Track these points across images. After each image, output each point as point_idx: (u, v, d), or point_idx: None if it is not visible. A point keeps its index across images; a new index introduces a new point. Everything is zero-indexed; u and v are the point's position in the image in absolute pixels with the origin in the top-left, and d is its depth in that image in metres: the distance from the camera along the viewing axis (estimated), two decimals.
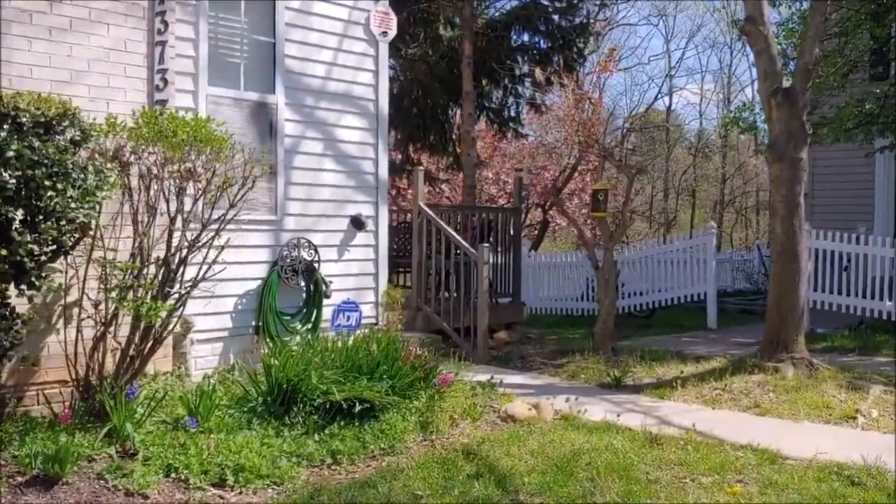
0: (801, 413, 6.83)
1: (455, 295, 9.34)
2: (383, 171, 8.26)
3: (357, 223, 7.96)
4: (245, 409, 5.76)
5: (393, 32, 8.16)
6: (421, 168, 9.44)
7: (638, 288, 14.60)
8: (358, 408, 5.67)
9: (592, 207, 9.53)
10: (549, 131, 16.61)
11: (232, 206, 5.57)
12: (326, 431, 5.57)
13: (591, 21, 13.49)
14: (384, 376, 6.06)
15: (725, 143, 39.71)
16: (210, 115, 6.77)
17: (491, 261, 10.88)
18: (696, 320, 13.56)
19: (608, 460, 5.31)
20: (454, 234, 9.14)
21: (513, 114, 13.42)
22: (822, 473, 5.16)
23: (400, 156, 13.89)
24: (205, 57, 6.85)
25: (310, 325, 7.47)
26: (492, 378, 7.51)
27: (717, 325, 13.08)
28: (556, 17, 13.30)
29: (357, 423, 5.71)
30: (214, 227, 5.55)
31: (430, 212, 9.33)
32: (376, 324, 8.16)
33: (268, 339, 7.13)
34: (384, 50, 8.16)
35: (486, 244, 8.98)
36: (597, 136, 9.59)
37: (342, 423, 5.68)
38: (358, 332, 7.50)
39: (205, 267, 5.60)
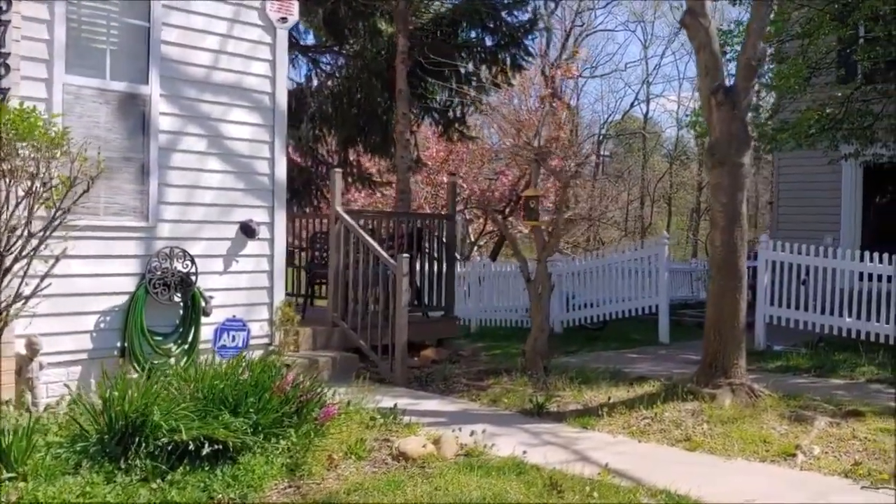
0: (736, 448, 6.07)
1: (374, 308, 8.54)
2: (280, 171, 7.43)
3: (247, 230, 7.12)
4: (77, 449, 4.92)
5: (294, 18, 7.35)
6: (338, 171, 8.63)
7: (590, 299, 13.87)
8: (207, 449, 4.85)
9: (524, 215, 8.75)
10: (496, 134, 15.90)
11: (60, 210, 4.73)
12: (168, 478, 4.75)
13: (540, 17, 12.73)
14: (250, 410, 5.24)
15: (702, 151, 39.19)
16: (68, 106, 5.99)
17: (419, 271, 10.15)
18: (648, 334, 12.87)
19: None
20: (373, 242, 8.34)
21: (458, 115, 12.67)
22: None
23: (337, 158, 13.09)
24: (62, 41, 6.01)
25: (186, 347, 6.63)
26: (395, 406, 6.72)
27: (670, 340, 12.38)
28: (504, 14, 12.56)
29: (208, 468, 4.89)
30: (41, 234, 4.72)
31: (349, 218, 8.54)
32: (270, 344, 7.34)
33: (135, 363, 6.30)
34: (283, 37, 7.33)
35: (406, 255, 8.19)
36: (528, 138, 8.80)
37: (190, 467, 4.85)
38: (248, 354, 6.69)
39: (34, 281, 4.76)
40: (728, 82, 7.53)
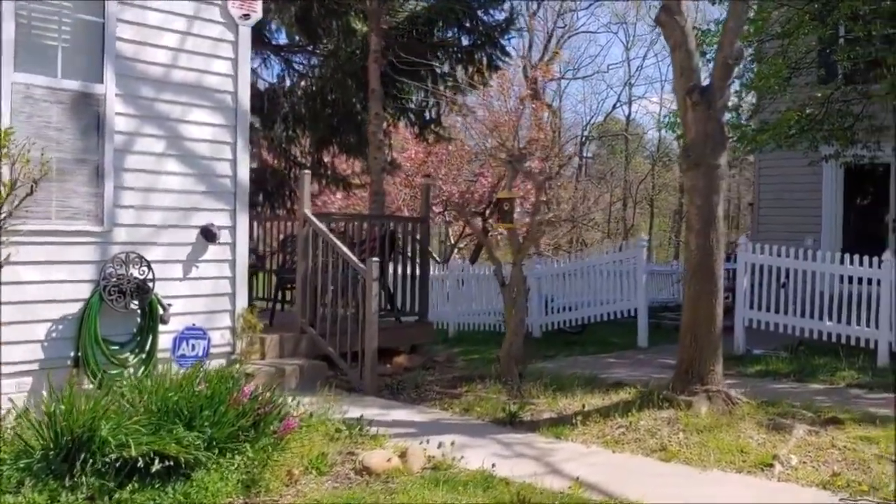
0: (712, 458, 5.89)
1: (343, 313, 8.31)
2: (243, 173, 7.17)
3: (208, 235, 6.87)
4: (21, 466, 4.67)
5: (257, 15, 7.11)
6: (306, 172, 8.40)
7: (569, 302, 13.70)
8: (157, 465, 4.61)
9: (498, 218, 8.55)
10: (473, 135, 15.71)
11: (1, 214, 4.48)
12: (116, 496, 4.51)
13: (516, 16, 12.54)
14: (205, 424, 5.00)
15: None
16: (17, 106, 5.74)
17: (393, 275, 9.93)
18: (627, 338, 12.70)
19: None
20: (342, 246, 8.12)
21: (433, 115, 12.45)
22: None
23: (310, 160, 12.84)
24: (10, 38, 5.75)
25: (143, 356, 6.38)
26: (361, 417, 6.50)
27: (649, 344, 12.22)
28: (480, 13, 12.35)
29: (159, 485, 4.65)
30: None
31: (317, 221, 8.30)
32: (232, 352, 7.10)
33: (89, 374, 6.05)
34: (245, 35, 7.07)
35: (376, 259, 7.97)
36: (503, 139, 8.61)
37: (139, 484, 4.61)
38: (209, 363, 6.46)
39: None
40: (706, 82, 7.36)
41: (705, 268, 7.00)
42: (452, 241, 22.52)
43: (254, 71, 13.06)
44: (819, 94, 11.83)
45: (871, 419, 6.88)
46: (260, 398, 5.35)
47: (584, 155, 43.27)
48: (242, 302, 7.18)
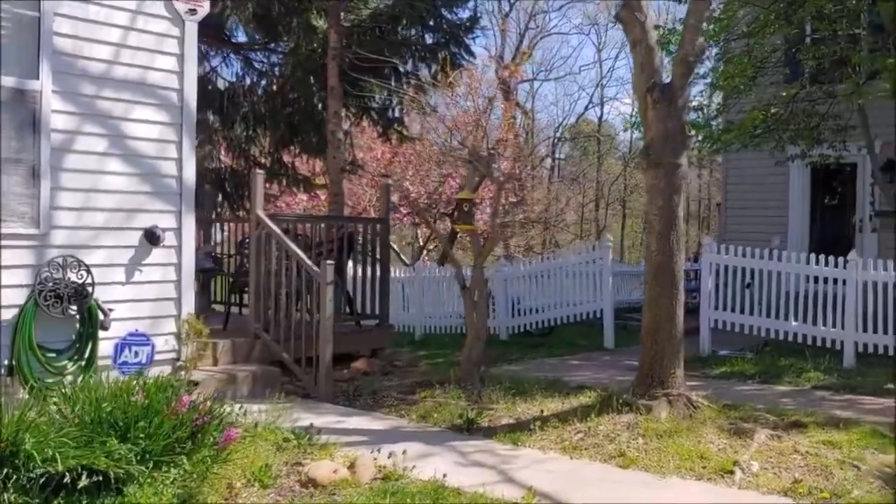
0: (671, 465, 5.74)
1: (298, 318, 8.08)
2: (189, 173, 6.91)
3: (152, 237, 6.61)
4: None
5: (204, 10, 6.86)
6: (259, 172, 8.18)
7: (535, 304, 13.52)
8: (85, 481, 4.37)
9: (457, 219, 8.36)
10: (438, 134, 15.49)
11: None
12: None
13: (481, 15, 12.37)
14: (140, 436, 4.77)
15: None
16: None
17: (352, 278, 9.72)
18: (594, 339, 12.56)
19: None
20: (295, 248, 7.89)
21: (396, 115, 12.25)
22: None
23: (270, 160, 12.59)
24: None
25: (83, 364, 6.11)
26: (311, 426, 6.28)
27: (615, 345, 12.09)
28: (444, 11, 12.17)
29: (87, 501, 4.42)
30: None
31: (270, 223, 8.07)
32: (178, 359, 6.84)
33: (24, 383, 5.78)
34: (192, 30, 6.82)
35: (331, 262, 7.75)
36: (463, 138, 8.43)
37: (66, 500, 4.38)
38: (153, 370, 6.21)
39: None
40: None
41: (666, 270, 6.86)
42: (421, 243, 22.31)
43: (213, 70, 12.82)
44: (784, 94, 11.73)
45: (834, 423, 6.76)
46: (200, 408, 5.11)
47: (556, 156, 43.27)
48: (189, 307, 6.93)
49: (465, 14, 12.06)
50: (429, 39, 12.07)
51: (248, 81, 12.35)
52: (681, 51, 6.93)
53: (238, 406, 6.52)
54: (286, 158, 12.78)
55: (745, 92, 12.25)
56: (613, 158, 45.20)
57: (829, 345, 10.27)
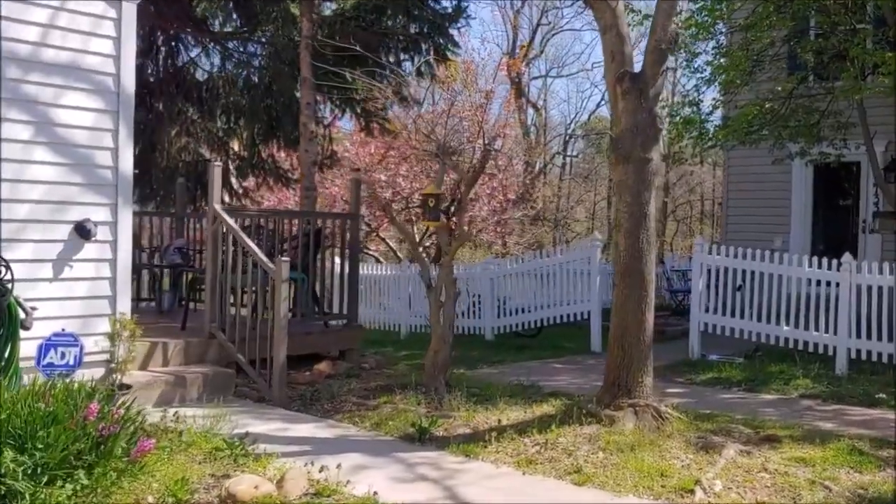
0: (629, 482, 5.31)
1: (256, 317, 7.71)
2: (126, 164, 6.51)
3: (83, 231, 6.23)
4: None
5: None
6: (217, 164, 7.77)
7: (524, 304, 13.13)
8: None
9: (423, 215, 7.96)
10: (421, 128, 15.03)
11: None
12: None
13: (467, 4, 11.93)
14: (38, 447, 4.39)
15: (668, 153, 38.79)
16: None
17: (321, 276, 9.34)
18: (582, 342, 12.18)
19: None
20: (252, 244, 7.51)
21: (378, 107, 11.83)
22: None
23: (249, 153, 12.21)
24: None
25: (1, 365, 5.74)
26: (247, 434, 5.90)
27: (602, 349, 11.59)
28: (429, 1, 11.75)
29: None
30: None
31: (228, 217, 7.69)
32: (111, 361, 6.47)
33: None
34: (130, 13, 6.43)
35: (286, 258, 7.38)
36: (429, 131, 8.01)
37: None
38: (83, 372, 5.84)
39: None
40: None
41: (634, 271, 6.43)
42: (417, 240, 21.87)
43: (192, 60, 12.47)
44: (780, 88, 11.25)
45: (813, 437, 6.33)
46: (111, 416, 4.73)
47: (569, 154, 42.82)
48: (124, 305, 6.54)
49: (451, 4, 11.65)
50: (412, 30, 11.66)
51: (227, 72, 11.98)
52: (652, 37, 6.50)
53: (173, 412, 6.18)
54: (266, 152, 12.40)
55: (740, 87, 11.78)
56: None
57: (821, 351, 9.83)
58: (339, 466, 5.29)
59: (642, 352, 6.41)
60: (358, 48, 8.88)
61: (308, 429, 6.59)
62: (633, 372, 6.40)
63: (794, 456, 5.80)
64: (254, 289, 7.63)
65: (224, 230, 7.70)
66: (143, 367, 7.30)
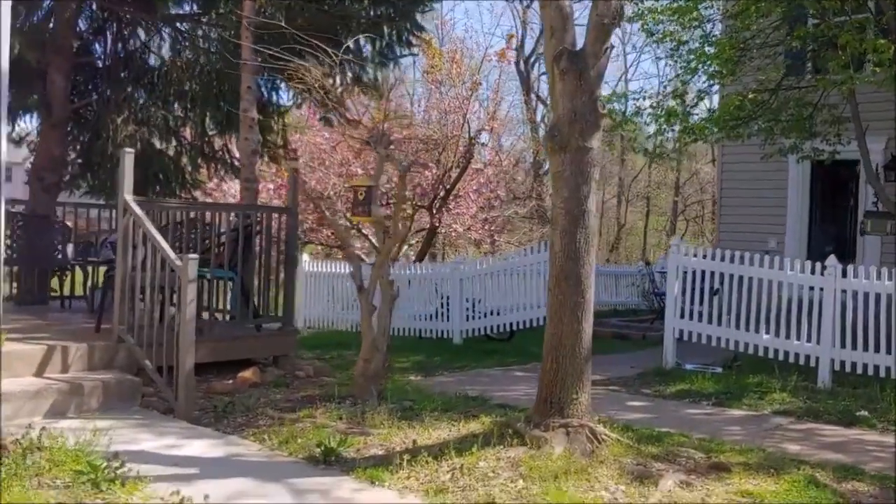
0: None
1: (168, 320, 7.01)
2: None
3: None
4: None
5: None
6: (129, 151, 7.08)
7: (496, 306, 12.40)
8: None
9: (352, 209, 7.22)
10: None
11: None
12: None
13: None
14: None
15: (678, 151, 37.94)
16: None
17: (257, 275, 8.64)
18: None
19: None
20: (160, 239, 6.80)
21: (338, 96, 11.10)
22: None
23: (199, 143, 11.52)
24: None
25: None
26: (117, 454, 5.18)
27: None
28: None
29: None
30: None
31: (138, 209, 7.00)
32: None
33: None
34: None
35: (194, 255, 6.67)
36: (359, 119, 7.31)
37: None
38: None
39: None
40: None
41: (571, 274, 5.67)
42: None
43: (144, 45, 11.80)
44: (764, 77, 10.45)
45: (770, 465, 5.56)
46: None
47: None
48: None
49: None
50: (372, 13, 10.93)
51: (181, 57, 11.30)
52: (593, 12, 5.75)
53: (41, 426, 5.51)
54: (220, 142, 11.71)
55: (725, 77, 10.99)
56: (640, 154, 43.73)
57: (803, 361, 9.06)
58: (206, 497, 4.59)
59: (578, 365, 5.66)
60: (305, 32, 8.11)
61: (202, 447, 5.86)
62: (567, 388, 5.65)
63: (742, 489, 5.04)
64: (162, 287, 6.90)
65: (134, 223, 7.00)
66: (39, 373, 6.64)
